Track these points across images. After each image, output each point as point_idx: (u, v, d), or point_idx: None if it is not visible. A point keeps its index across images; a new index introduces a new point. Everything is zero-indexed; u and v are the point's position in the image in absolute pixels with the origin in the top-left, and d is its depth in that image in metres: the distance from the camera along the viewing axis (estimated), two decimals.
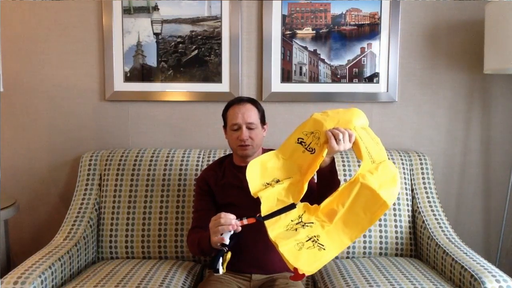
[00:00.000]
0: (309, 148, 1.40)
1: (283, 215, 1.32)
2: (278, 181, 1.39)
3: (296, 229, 1.31)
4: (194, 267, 1.85)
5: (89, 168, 2.07)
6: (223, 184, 1.69)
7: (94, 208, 2.00)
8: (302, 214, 1.34)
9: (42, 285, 1.50)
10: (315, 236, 1.30)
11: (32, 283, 1.45)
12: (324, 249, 1.28)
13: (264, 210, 1.32)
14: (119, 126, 2.28)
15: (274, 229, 1.30)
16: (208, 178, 1.72)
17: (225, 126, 1.72)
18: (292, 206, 1.34)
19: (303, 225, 1.32)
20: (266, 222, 1.31)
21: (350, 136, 1.36)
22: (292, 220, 1.33)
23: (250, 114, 1.64)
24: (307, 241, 1.29)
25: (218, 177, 1.71)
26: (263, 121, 1.71)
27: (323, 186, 1.49)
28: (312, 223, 1.33)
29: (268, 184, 1.39)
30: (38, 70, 2.25)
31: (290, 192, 1.37)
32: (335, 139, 1.34)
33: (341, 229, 1.32)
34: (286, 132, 1.48)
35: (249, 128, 1.63)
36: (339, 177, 1.52)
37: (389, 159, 1.40)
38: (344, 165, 2.03)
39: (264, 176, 1.40)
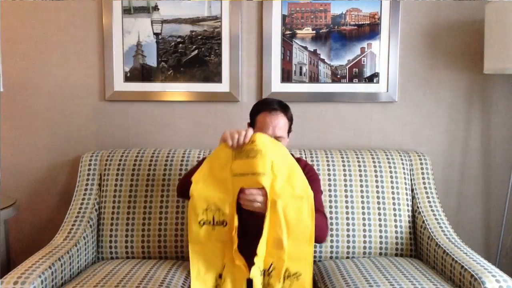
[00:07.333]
0: (218, 222, 1.36)
1: None
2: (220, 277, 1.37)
3: (269, 283, 1.31)
4: None
5: (89, 168, 2.07)
6: None
7: (94, 208, 2.00)
8: (260, 268, 1.32)
9: (42, 285, 1.50)
10: (285, 271, 1.29)
11: (32, 283, 1.45)
12: (300, 274, 1.27)
13: None
14: (119, 126, 2.28)
15: None
16: None
17: (251, 125, 1.68)
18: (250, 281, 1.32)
19: (269, 274, 1.31)
20: None
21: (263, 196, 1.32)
22: (261, 284, 1.32)
23: (281, 126, 1.58)
24: (284, 282, 1.28)
25: None
26: (290, 129, 1.66)
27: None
28: (272, 264, 1.31)
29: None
30: (38, 70, 2.25)
31: (236, 277, 1.34)
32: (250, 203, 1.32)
33: (296, 245, 1.30)
34: None
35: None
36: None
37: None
38: (344, 165, 2.03)
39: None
